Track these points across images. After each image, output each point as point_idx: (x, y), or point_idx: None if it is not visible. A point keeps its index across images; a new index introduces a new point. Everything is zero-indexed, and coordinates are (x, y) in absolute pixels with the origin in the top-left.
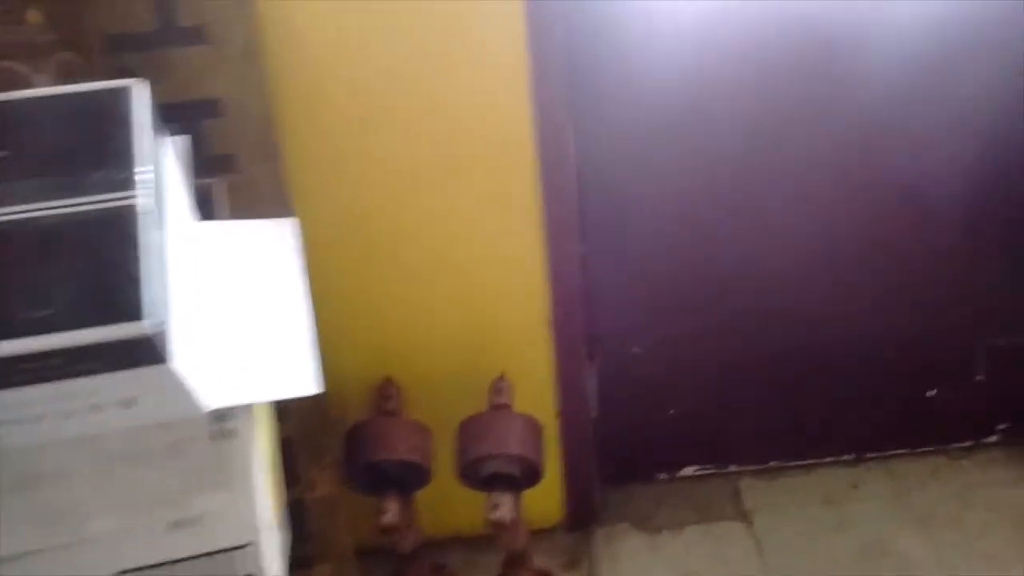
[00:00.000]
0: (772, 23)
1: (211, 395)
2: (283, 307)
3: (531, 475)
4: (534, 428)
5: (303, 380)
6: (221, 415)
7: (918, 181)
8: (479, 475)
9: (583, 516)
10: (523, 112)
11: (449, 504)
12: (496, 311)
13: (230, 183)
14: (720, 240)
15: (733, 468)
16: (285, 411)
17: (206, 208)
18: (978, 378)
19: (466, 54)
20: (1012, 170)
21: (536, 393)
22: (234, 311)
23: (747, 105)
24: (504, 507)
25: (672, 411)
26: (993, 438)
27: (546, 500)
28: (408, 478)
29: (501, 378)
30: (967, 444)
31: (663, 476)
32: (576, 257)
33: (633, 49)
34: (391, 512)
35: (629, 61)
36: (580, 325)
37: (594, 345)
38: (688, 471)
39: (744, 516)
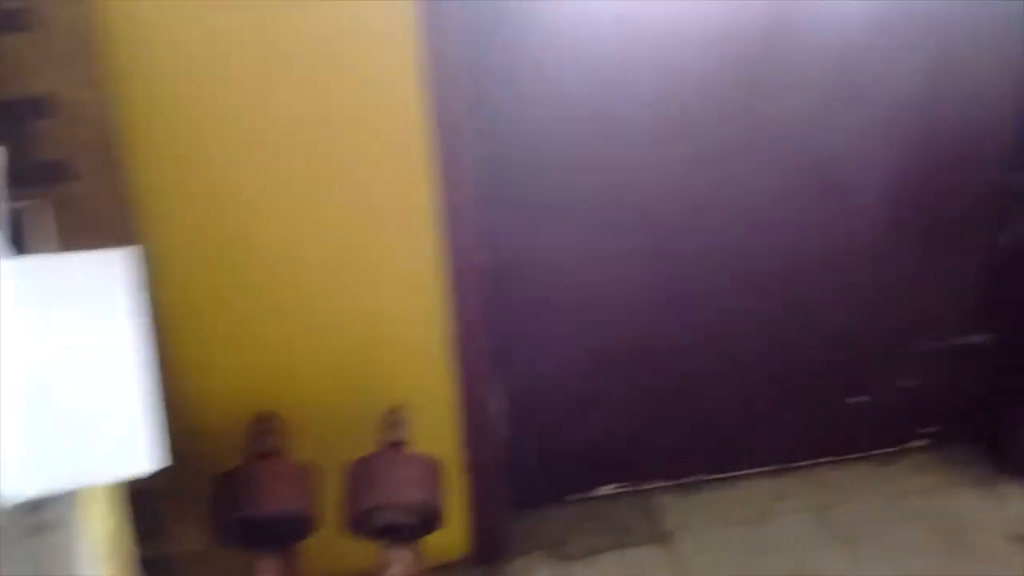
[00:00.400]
0: (689, 24)
1: (21, 483)
2: (115, 363)
3: (431, 521)
4: (433, 469)
5: (141, 455)
6: (36, 506)
7: (842, 180)
8: (371, 526)
9: (491, 548)
10: (415, 114)
11: (339, 549)
12: (389, 332)
13: (63, 196)
14: (631, 251)
15: (651, 485)
16: None
17: (21, 236)
18: (903, 383)
19: (349, 50)
20: (940, 169)
21: (438, 420)
22: (53, 373)
23: (663, 108)
24: (399, 564)
25: (586, 428)
26: (921, 443)
27: (451, 533)
28: (288, 530)
29: (395, 410)
30: (894, 450)
31: (578, 497)
32: (478, 270)
33: (539, 50)
34: (268, 573)
35: (535, 63)
36: (485, 344)
37: (502, 364)
38: (604, 490)
39: (663, 538)
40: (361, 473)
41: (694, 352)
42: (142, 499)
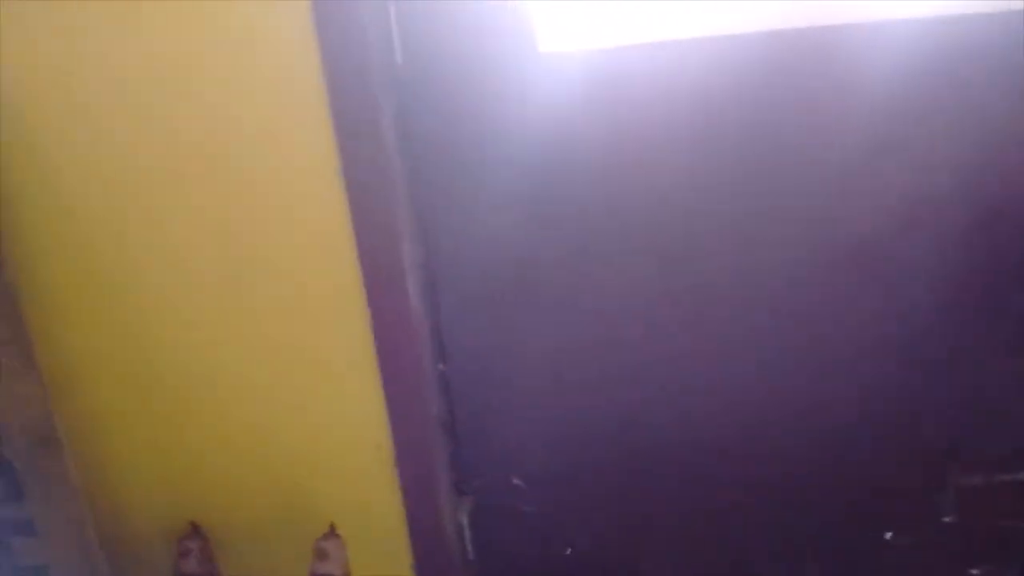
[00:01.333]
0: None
1: None
2: None
3: None
4: None
5: None
6: None
7: (857, 296)
8: None
9: None
10: (335, 189)
11: None
12: (324, 440)
13: None
14: (623, 347)
15: None
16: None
17: None
18: (945, 519)
19: (263, 147)
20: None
21: (384, 540)
22: None
23: (627, 188)
24: None
25: (566, 552)
26: None
27: None
28: None
29: (327, 535)
30: None
31: None
32: (430, 374)
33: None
34: None
35: (489, 136)
36: (439, 454)
37: (465, 477)
38: None
39: None
40: None
41: (699, 475)
42: None
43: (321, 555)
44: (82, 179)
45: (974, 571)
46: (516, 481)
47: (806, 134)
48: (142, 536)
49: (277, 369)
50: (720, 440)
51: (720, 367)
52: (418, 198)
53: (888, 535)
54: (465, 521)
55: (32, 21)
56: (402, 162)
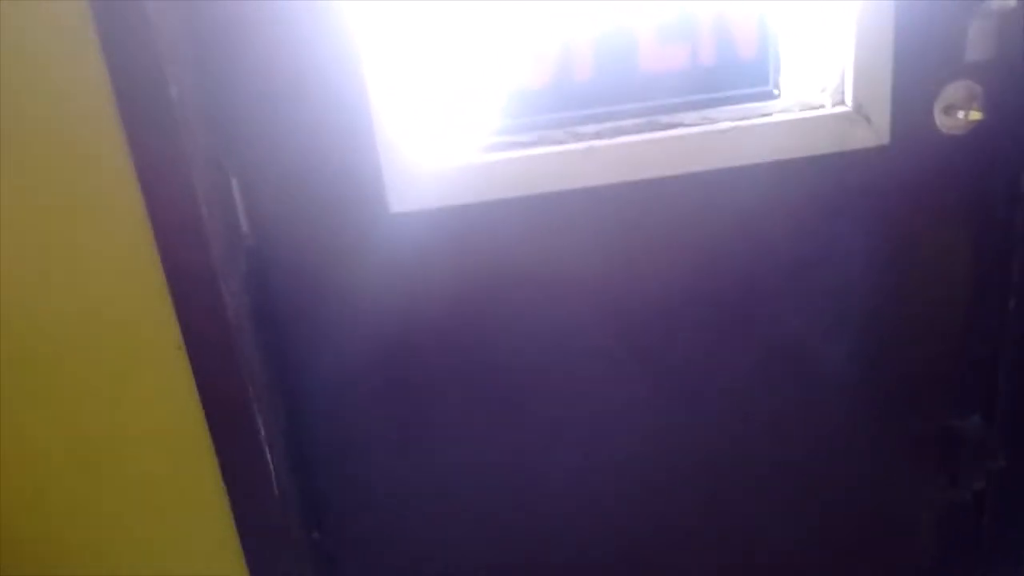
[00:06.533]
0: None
1: None
2: None
3: None
4: None
5: None
6: None
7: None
8: None
9: None
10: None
11: None
12: None
13: None
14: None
15: None
16: None
17: None
18: None
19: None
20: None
21: None
22: None
23: (482, 342)
24: None
25: None
26: None
27: None
28: None
29: None
30: None
31: None
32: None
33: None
34: None
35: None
36: None
37: None
38: None
39: None
40: None
41: None
42: None
43: None
44: None
45: None
46: None
47: (654, 285)
48: None
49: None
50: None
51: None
52: (273, 367)
53: None
54: None
55: None
56: (253, 330)
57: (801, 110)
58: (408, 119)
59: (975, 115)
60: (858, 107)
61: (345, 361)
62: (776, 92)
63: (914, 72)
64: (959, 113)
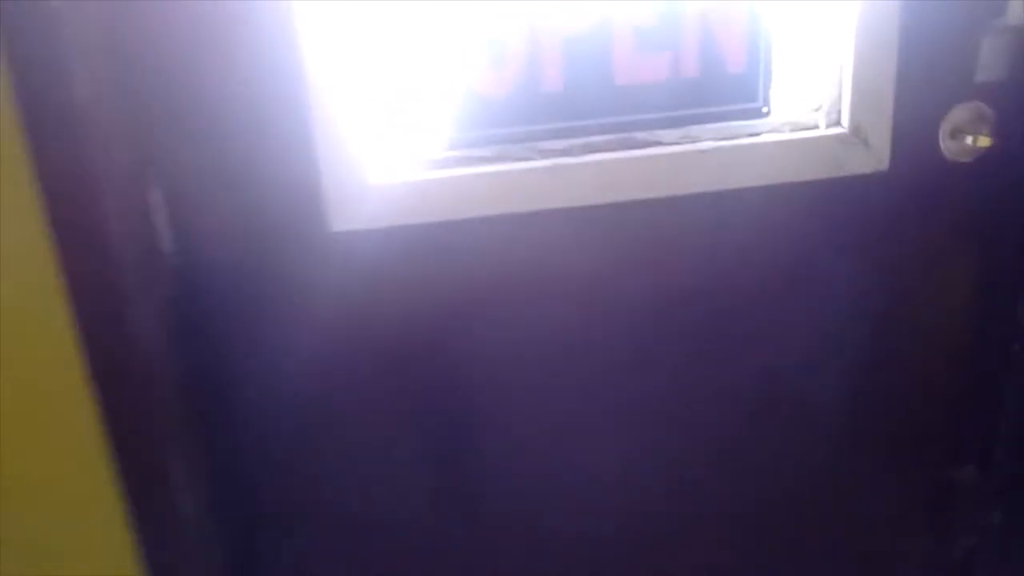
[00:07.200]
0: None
1: None
2: None
3: None
4: None
5: None
6: None
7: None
8: None
9: None
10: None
11: None
12: None
13: None
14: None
15: None
16: None
17: None
18: None
19: None
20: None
21: None
22: None
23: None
24: None
25: None
26: None
27: None
28: None
29: None
30: None
31: None
32: None
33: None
34: None
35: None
36: None
37: None
38: None
39: None
40: None
41: None
42: None
43: None
44: None
45: None
46: None
47: (624, 317)
48: None
49: None
50: None
51: None
52: (196, 398)
53: None
54: None
55: None
56: (174, 360)
57: (792, 130)
58: (353, 128)
59: (984, 141)
60: (855, 129)
61: (281, 391)
62: (765, 110)
63: (919, 92)
64: (967, 138)
